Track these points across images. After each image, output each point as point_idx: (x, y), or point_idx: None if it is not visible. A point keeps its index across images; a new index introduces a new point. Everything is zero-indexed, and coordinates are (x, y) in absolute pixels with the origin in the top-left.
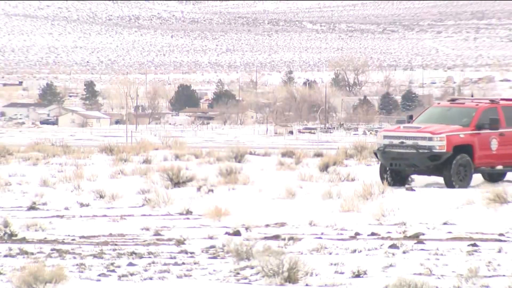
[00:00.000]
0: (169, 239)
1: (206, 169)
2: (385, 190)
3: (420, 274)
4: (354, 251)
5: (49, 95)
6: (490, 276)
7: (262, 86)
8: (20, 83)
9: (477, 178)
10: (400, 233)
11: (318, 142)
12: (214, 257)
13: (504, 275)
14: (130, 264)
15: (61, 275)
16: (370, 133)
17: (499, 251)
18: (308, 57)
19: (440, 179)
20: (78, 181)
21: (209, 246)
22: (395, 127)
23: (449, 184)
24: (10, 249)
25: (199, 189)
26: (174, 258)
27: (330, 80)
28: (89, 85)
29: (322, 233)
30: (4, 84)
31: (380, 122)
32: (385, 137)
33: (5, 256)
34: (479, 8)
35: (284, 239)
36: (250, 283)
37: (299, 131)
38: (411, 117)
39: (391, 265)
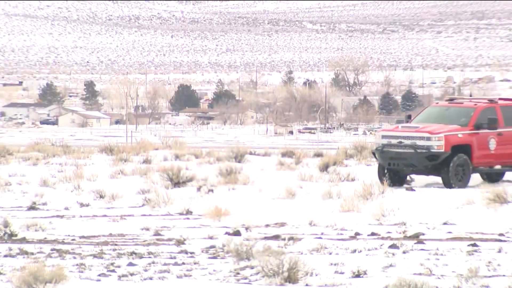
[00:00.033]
0: (169, 239)
1: (206, 169)
2: (385, 190)
3: (420, 274)
4: (354, 251)
5: (49, 95)
6: (490, 276)
7: (262, 86)
8: (20, 83)
9: (477, 178)
10: (400, 233)
11: (318, 142)
12: (214, 257)
13: (504, 275)
14: (130, 264)
15: (61, 275)
16: (370, 133)
17: (499, 251)
18: (308, 57)
19: (440, 179)
20: (78, 181)
21: (209, 246)
22: (393, 127)
23: (447, 184)
24: (10, 249)
25: (199, 189)
26: (174, 258)
27: (330, 80)
28: (89, 85)
29: (322, 233)
30: (4, 84)
31: (380, 122)
32: (383, 136)
33: (5, 256)
34: (479, 8)
35: (284, 239)
36: (250, 283)
37: (299, 131)
38: (409, 116)
39: (391, 265)
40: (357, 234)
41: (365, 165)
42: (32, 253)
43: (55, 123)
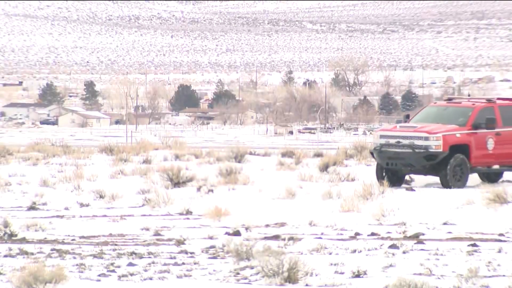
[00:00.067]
0: (169, 239)
1: (206, 169)
2: (385, 190)
3: (420, 274)
4: (354, 251)
5: (49, 95)
6: (490, 276)
7: (262, 86)
8: (20, 83)
9: (476, 178)
10: (400, 233)
11: (318, 142)
12: (214, 257)
13: (504, 275)
14: (130, 264)
15: (61, 275)
16: (370, 133)
17: (499, 251)
18: (308, 57)
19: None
20: (78, 181)
21: (209, 246)
22: (391, 126)
23: (445, 184)
24: (10, 249)
25: (199, 189)
26: (174, 258)
27: (330, 80)
28: (89, 85)
29: (322, 233)
30: (4, 84)
31: (380, 122)
32: (381, 136)
33: (5, 256)
34: (479, 8)
35: (284, 239)
36: (250, 283)
37: (299, 131)
38: (407, 116)
39: (391, 265)
40: (357, 234)
41: (365, 165)
42: (32, 253)
43: (55, 123)
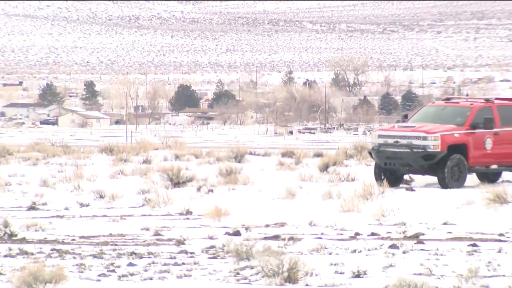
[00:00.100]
0: (169, 239)
1: (206, 169)
2: (385, 190)
3: (420, 274)
4: (354, 251)
5: (49, 95)
6: (490, 276)
7: (262, 86)
8: (20, 83)
9: (476, 178)
10: (400, 233)
11: (318, 142)
12: (214, 257)
13: (504, 275)
14: (130, 264)
15: (61, 275)
16: (370, 133)
17: (499, 251)
18: (308, 57)
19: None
20: (78, 181)
21: (209, 246)
22: (389, 126)
23: (443, 184)
24: (10, 249)
25: (199, 189)
26: (174, 258)
27: (330, 80)
28: (89, 85)
29: (322, 233)
30: (4, 84)
31: (380, 122)
32: (379, 136)
33: (5, 256)
34: (479, 8)
35: (284, 239)
36: (250, 283)
37: (299, 131)
38: (405, 116)
39: (391, 265)
40: (357, 234)
41: (365, 165)
42: (32, 253)
43: (55, 123)
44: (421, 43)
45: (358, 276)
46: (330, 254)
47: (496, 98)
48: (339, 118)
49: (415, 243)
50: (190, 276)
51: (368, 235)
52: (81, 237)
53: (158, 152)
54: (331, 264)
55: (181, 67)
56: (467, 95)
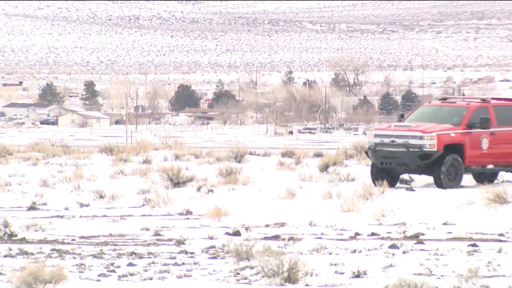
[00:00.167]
0: (169, 239)
1: (206, 169)
2: (385, 190)
3: (420, 274)
4: (354, 251)
5: (49, 95)
6: (490, 276)
7: (262, 86)
8: (20, 83)
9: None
10: (400, 233)
11: (318, 142)
12: (214, 257)
13: (504, 275)
14: (130, 264)
15: (61, 275)
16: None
17: (499, 251)
18: (308, 57)
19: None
20: (78, 181)
21: (209, 246)
22: (386, 125)
23: (439, 183)
24: (10, 249)
25: (199, 189)
26: (174, 258)
27: (330, 80)
28: (89, 85)
29: (322, 233)
30: (4, 84)
31: (380, 122)
32: (376, 135)
33: (5, 256)
34: (479, 8)
35: (284, 239)
36: (250, 283)
37: (299, 131)
38: (402, 116)
39: (391, 265)
40: (357, 234)
41: (365, 165)
42: (32, 253)
43: (55, 123)
44: (421, 43)
45: (358, 276)
46: (330, 254)
47: (493, 98)
48: (339, 118)
49: (415, 243)
50: (190, 276)
51: (368, 235)
52: (81, 237)
53: (158, 152)
54: (331, 264)
55: (181, 67)
56: (463, 95)
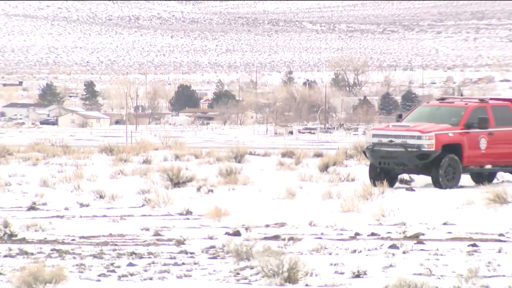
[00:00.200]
0: (169, 239)
1: (206, 169)
2: (385, 190)
3: (420, 274)
4: (354, 251)
5: (49, 95)
6: (490, 276)
7: (262, 86)
8: (20, 83)
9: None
10: (400, 233)
11: (318, 142)
12: (214, 257)
13: (504, 275)
14: (130, 264)
15: (61, 275)
16: None
17: (499, 251)
18: (308, 57)
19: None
20: (78, 181)
21: (209, 246)
22: (384, 125)
23: (437, 183)
24: (10, 249)
25: (199, 189)
26: (174, 258)
27: (330, 80)
28: (89, 85)
29: (322, 233)
30: (4, 84)
31: (380, 123)
32: (374, 135)
33: (5, 256)
34: (479, 8)
35: (284, 239)
36: (250, 283)
37: (299, 131)
38: (400, 116)
39: (391, 265)
40: (357, 234)
41: (365, 165)
42: (32, 253)
43: (55, 123)
44: (421, 43)
45: (358, 276)
46: (330, 254)
47: (491, 98)
48: (339, 118)
49: (415, 243)
50: (190, 276)
51: (368, 235)
52: (81, 237)
53: (158, 152)
54: (331, 264)
55: (181, 67)
56: (461, 95)
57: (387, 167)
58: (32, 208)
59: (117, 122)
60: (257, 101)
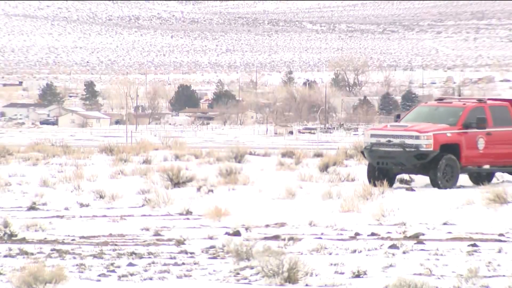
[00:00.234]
0: (169, 239)
1: (206, 169)
2: (385, 190)
3: (420, 274)
4: (354, 251)
5: (49, 95)
6: (490, 276)
7: (262, 86)
8: (20, 83)
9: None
10: (400, 233)
11: (318, 142)
12: (214, 257)
13: (504, 275)
14: (130, 264)
15: (61, 275)
16: None
17: (499, 251)
18: (308, 57)
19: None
20: (78, 181)
21: (209, 246)
22: (382, 125)
23: (435, 183)
24: (10, 249)
25: (199, 189)
26: (174, 258)
27: (330, 80)
28: (89, 85)
29: (322, 233)
30: (4, 84)
31: (380, 123)
32: (372, 135)
33: (5, 256)
34: (479, 8)
35: (284, 239)
36: (250, 283)
37: (299, 131)
38: (398, 116)
39: (391, 265)
40: (357, 234)
41: (365, 165)
42: (32, 253)
43: (55, 123)
44: (421, 43)
45: (358, 276)
46: (330, 254)
47: (489, 99)
48: (339, 118)
49: (415, 243)
50: (190, 276)
51: (368, 235)
52: (81, 237)
53: (158, 152)
54: (331, 264)
55: (181, 67)
56: (459, 95)
57: (385, 167)
58: (32, 208)
59: (117, 122)
60: (257, 101)
